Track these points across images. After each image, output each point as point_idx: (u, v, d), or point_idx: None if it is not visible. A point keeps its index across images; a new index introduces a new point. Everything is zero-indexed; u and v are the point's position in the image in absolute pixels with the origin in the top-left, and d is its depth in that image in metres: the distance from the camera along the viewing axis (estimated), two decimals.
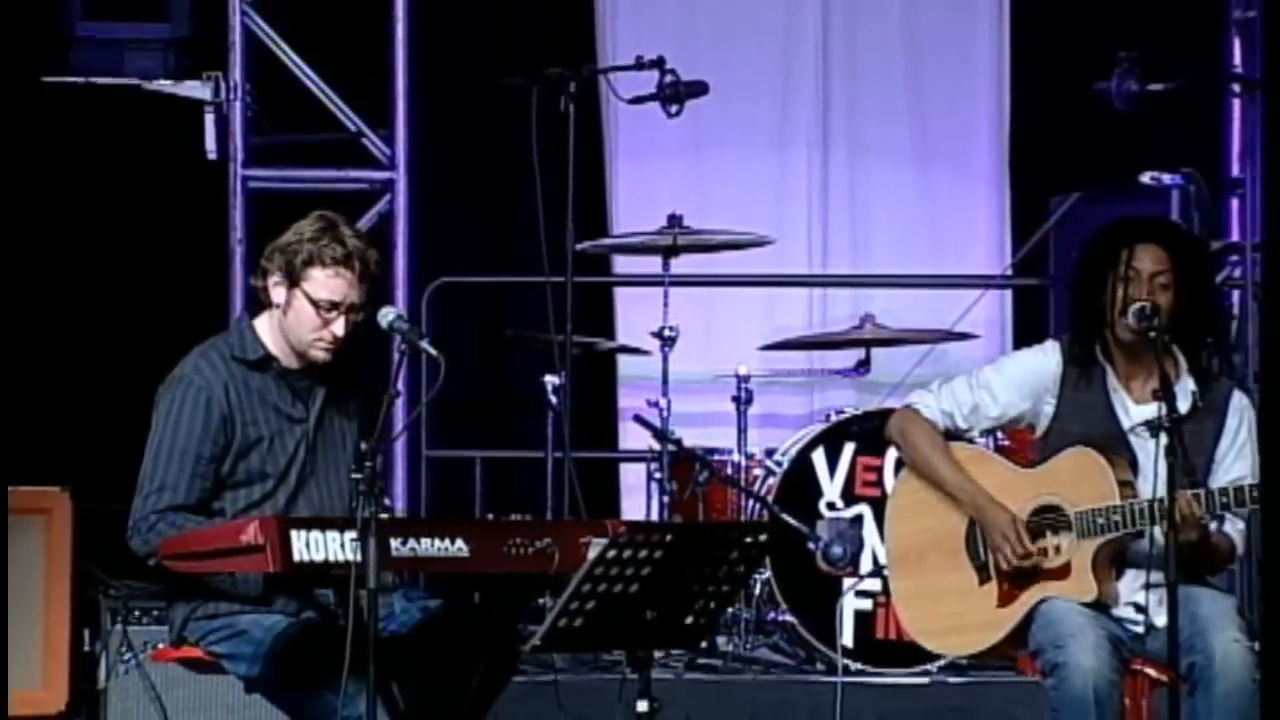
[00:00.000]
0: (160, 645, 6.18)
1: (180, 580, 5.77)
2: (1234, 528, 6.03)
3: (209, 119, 8.57)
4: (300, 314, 5.84)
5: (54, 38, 8.40)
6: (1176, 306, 5.97)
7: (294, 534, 5.47)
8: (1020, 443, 6.93)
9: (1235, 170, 8.83)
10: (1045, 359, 6.11)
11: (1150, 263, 5.97)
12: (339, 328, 5.84)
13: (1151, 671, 5.94)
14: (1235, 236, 8.69)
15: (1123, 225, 6.14)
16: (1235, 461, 6.02)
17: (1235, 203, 8.82)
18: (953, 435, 6.12)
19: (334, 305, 5.83)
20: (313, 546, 5.47)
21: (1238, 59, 8.82)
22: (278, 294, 5.86)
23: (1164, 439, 5.69)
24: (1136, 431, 5.96)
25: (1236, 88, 8.69)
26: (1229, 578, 6.44)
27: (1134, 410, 5.99)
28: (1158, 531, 5.77)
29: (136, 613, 7.11)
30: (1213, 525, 5.94)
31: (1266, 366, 5.07)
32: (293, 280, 5.84)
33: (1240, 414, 6.04)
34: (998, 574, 5.99)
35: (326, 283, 5.82)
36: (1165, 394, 5.73)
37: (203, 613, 5.79)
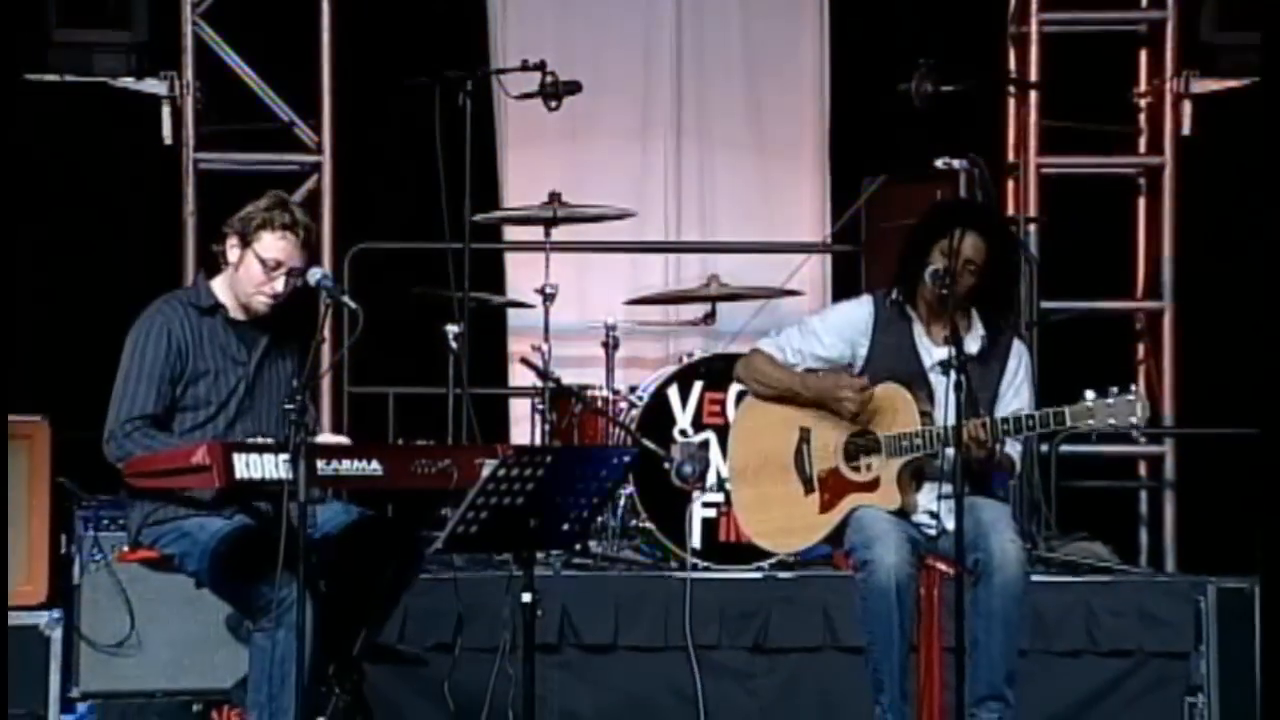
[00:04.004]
0: (124, 548, 6.11)
1: (144, 491, 5.71)
2: (1013, 449, 6.04)
3: (165, 111, 8.49)
4: (249, 269, 5.82)
5: (34, 42, 8.28)
6: (977, 287, 5.94)
7: (236, 456, 5.43)
8: None
9: (1011, 156, 8.86)
10: (861, 309, 6.09)
11: (969, 250, 5.91)
12: (279, 285, 5.82)
13: (942, 566, 5.96)
14: (1011, 211, 8.74)
15: (957, 208, 6.07)
16: (1014, 397, 6.02)
17: (1011, 183, 8.85)
18: None
19: (278, 264, 5.81)
20: (252, 466, 5.44)
21: (1013, 65, 8.86)
22: (233, 254, 5.85)
23: (953, 377, 5.67)
24: (934, 370, 5.95)
25: (1012, 89, 8.74)
26: (1006, 490, 6.43)
27: (934, 352, 5.97)
28: (950, 452, 5.78)
29: (105, 521, 7.04)
30: (995, 446, 5.95)
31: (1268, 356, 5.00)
32: (246, 242, 5.82)
33: (1019, 358, 6.05)
34: (819, 486, 6.01)
35: (273, 244, 5.80)
36: (954, 341, 5.72)
37: (154, 519, 5.75)
